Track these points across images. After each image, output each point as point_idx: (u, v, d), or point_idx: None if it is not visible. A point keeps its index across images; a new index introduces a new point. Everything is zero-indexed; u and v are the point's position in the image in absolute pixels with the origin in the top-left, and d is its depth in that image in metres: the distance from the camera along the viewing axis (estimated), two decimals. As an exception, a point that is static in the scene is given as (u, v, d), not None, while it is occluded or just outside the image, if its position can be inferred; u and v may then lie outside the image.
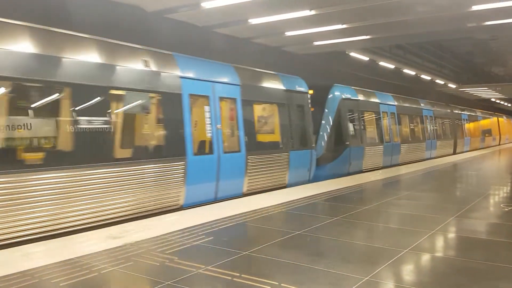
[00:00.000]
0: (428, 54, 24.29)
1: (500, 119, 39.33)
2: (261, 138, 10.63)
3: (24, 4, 8.24)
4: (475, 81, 30.61)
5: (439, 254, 5.38)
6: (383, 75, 22.08)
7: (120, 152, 7.32)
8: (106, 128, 6.85)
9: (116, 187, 6.88)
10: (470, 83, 30.85)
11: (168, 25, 11.66)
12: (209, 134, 8.83)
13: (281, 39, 15.05)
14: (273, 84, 10.98)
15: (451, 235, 6.25)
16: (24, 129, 6.17)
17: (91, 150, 6.63)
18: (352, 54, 18.46)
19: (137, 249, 5.08)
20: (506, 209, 7.92)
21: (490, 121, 35.81)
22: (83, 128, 6.48)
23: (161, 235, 5.73)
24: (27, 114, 6.35)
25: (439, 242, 5.85)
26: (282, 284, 4.04)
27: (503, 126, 39.92)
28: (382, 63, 20.75)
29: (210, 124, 8.84)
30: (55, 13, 8.51)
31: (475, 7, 11.34)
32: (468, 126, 28.70)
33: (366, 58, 19.36)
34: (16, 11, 7.74)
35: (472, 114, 30.54)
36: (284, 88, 11.28)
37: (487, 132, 33.59)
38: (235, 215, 7.05)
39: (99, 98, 6.80)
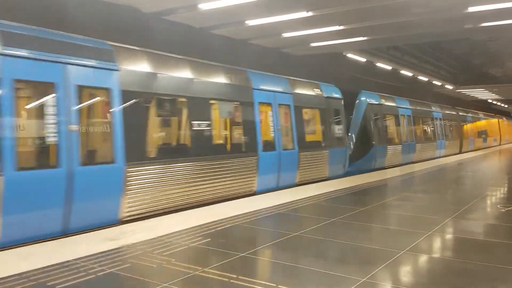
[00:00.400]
0: (425, 55, 24.33)
1: (500, 120, 40.30)
2: (308, 137, 12.33)
3: (21, 5, 8.22)
4: (472, 82, 30.69)
5: (436, 255, 5.39)
6: (380, 76, 22.11)
7: (218, 148, 9.38)
8: (211, 130, 9.01)
9: (221, 173, 9.01)
10: (467, 84, 30.94)
11: (166, 26, 11.65)
12: (272, 134, 10.79)
13: (278, 40, 15.06)
14: (316, 92, 12.91)
15: (449, 236, 6.26)
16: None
17: (205, 146, 8.81)
18: (349, 55, 18.49)
19: (135, 251, 5.07)
20: (503, 210, 7.95)
21: (491, 123, 37.08)
22: (204, 130, 8.76)
23: (159, 236, 5.71)
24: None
25: (437, 243, 5.86)
26: (279, 286, 4.04)
27: (503, 128, 40.83)
28: (379, 64, 20.78)
29: (272, 126, 10.84)
30: (52, 13, 8.49)
31: (471, 9, 11.37)
32: (472, 127, 30.25)
33: (363, 59, 19.39)
34: (12, 11, 7.73)
35: (475, 116, 32.02)
36: (324, 95, 13.14)
37: (489, 133, 35.05)
38: (235, 215, 7.05)
39: (208, 107, 9.02)
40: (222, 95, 9.52)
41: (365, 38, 15.14)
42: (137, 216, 7.14)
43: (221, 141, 9.70)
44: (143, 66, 7.78)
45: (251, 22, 12.25)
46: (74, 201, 6.32)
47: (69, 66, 6.45)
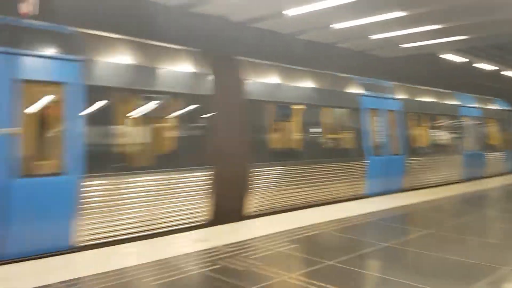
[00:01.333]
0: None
1: None
2: (491, 141, 15.52)
3: (115, 18, 8.71)
4: None
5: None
6: (479, 77, 20.49)
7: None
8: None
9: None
10: None
11: (252, 33, 11.88)
12: (473, 141, 14.40)
13: (365, 43, 14.65)
14: (495, 106, 16.39)
15: None
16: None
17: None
18: (443, 56, 17.41)
19: (223, 253, 5.18)
20: None
21: None
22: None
23: (245, 240, 5.79)
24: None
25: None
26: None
27: None
28: (478, 65, 19.28)
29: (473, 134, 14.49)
30: (137, 23, 8.92)
31: None
32: None
33: (460, 59, 18.12)
34: (108, 24, 8.30)
35: None
36: (500, 108, 16.63)
37: None
38: (322, 222, 6.93)
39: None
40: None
41: (461, 38, 14.15)
42: None
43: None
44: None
45: (337, 26, 12.05)
46: None
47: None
